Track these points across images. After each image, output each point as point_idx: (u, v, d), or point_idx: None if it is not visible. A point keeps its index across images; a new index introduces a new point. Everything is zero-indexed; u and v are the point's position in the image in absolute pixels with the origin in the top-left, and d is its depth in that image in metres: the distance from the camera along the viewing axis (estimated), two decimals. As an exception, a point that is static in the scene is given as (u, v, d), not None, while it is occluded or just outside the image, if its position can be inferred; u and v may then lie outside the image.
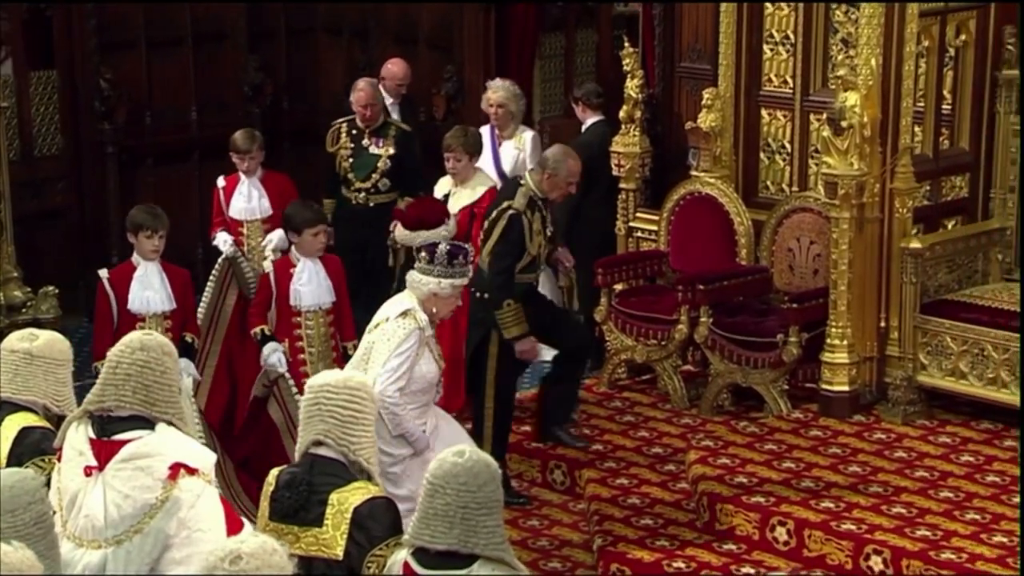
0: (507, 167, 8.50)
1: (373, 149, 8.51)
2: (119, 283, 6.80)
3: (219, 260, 7.82)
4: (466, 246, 6.53)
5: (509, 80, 8.86)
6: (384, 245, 8.31)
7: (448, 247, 6.32)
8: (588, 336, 7.87)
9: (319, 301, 7.11)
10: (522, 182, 7.21)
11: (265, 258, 7.82)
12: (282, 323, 7.11)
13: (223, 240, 7.98)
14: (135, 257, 6.91)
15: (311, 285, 7.09)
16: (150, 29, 10.28)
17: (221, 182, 8.25)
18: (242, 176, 8.16)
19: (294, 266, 7.12)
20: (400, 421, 6.14)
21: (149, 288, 6.81)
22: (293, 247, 7.20)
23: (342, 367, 7.04)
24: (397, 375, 6.11)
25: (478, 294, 7.15)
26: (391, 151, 8.49)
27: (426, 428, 6.23)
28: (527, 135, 8.75)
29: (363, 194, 8.52)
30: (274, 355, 6.96)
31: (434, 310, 6.25)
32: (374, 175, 8.48)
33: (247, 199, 8.12)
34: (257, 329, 7.11)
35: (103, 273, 6.89)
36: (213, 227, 8.23)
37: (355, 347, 7.04)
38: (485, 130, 8.59)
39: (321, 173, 8.94)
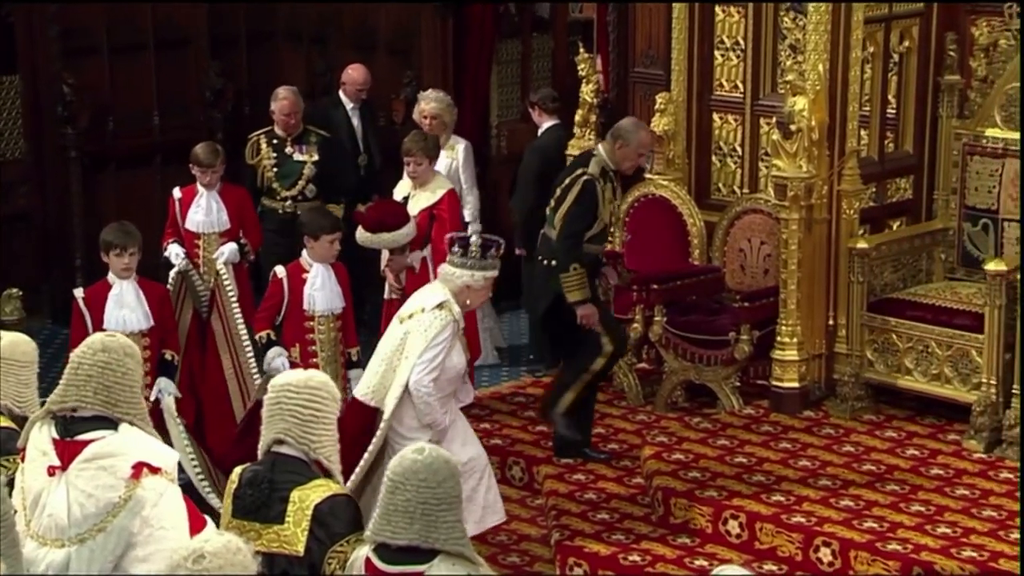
0: (443, 173, 8.32)
1: (297, 156, 8.39)
2: (94, 302, 6.65)
3: (172, 274, 7.65)
4: (498, 239, 6.54)
5: (442, 91, 8.77)
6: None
7: (481, 240, 6.40)
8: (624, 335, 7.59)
9: (331, 306, 7.05)
10: (595, 152, 7.20)
11: (217, 271, 7.67)
12: (293, 328, 7.03)
13: (175, 253, 7.77)
14: (110, 276, 6.78)
15: (324, 290, 7.02)
16: (112, 35, 10.21)
17: (177, 193, 8.05)
18: (200, 188, 7.96)
19: (306, 272, 7.02)
20: (431, 410, 6.20)
21: (125, 307, 6.67)
22: (305, 253, 7.06)
23: (346, 372, 7.07)
24: (433, 365, 6.17)
25: (545, 261, 7.15)
26: (315, 157, 8.38)
27: (447, 419, 6.29)
28: (460, 145, 8.68)
29: (290, 202, 8.38)
30: (278, 359, 6.90)
31: (467, 302, 6.33)
32: (300, 182, 8.37)
33: (206, 212, 7.91)
34: (263, 333, 7.01)
35: (78, 293, 6.75)
36: (165, 237, 8.02)
37: (358, 353, 7.14)
38: None
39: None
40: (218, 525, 4.26)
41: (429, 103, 8.52)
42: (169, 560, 3.39)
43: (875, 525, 6.41)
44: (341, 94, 9.39)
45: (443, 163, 8.37)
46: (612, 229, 7.44)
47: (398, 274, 7.75)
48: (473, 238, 6.43)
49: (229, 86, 10.52)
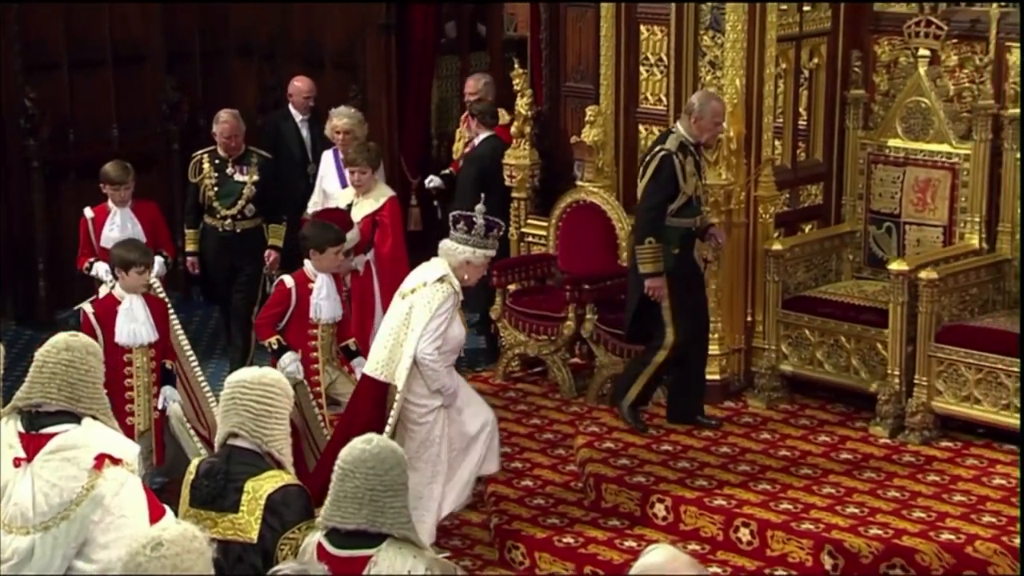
0: (342, 193, 8.18)
1: (238, 177, 8.25)
2: (104, 316, 6.47)
3: (102, 291, 7.23)
4: (500, 222, 6.56)
5: (353, 108, 8.67)
6: (252, 269, 8.21)
7: (485, 221, 6.38)
8: (707, 319, 7.38)
9: (335, 315, 6.98)
10: (673, 129, 7.09)
11: (151, 284, 7.48)
12: (297, 334, 6.92)
13: (104, 270, 7.54)
14: (117, 291, 6.56)
15: (329, 300, 6.93)
16: (72, 51, 10.11)
17: (89, 213, 7.85)
18: (113, 207, 7.80)
19: (311, 281, 6.91)
20: (437, 377, 6.25)
21: (135, 321, 6.52)
22: (309, 263, 6.94)
23: (349, 367, 7.04)
24: (436, 335, 6.19)
25: (648, 242, 7.03)
26: (255, 178, 8.25)
27: (454, 384, 6.35)
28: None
29: (230, 220, 8.25)
30: (292, 364, 6.80)
31: (465, 277, 6.32)
32: (240, 202, 8.22)
33: (120, 229, 7.72)
34: (272, 339, 6.88)
35: (87, 308, 6.53)
36: (81, 258, 7.84)
37: (355, 343, 7.10)
38: (328, 154, 8.43)
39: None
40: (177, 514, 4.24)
41: (341, 119, 8.38)
42: (129, 547, 3.36)
43: (790, 506, 6.45)
44: (290, 107, 9.35)
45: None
46: (702, 202, 7.18)
47: (344, 277, 7.73)
48: (478, 219, 6.39)
49: (184, 99, 10.45)
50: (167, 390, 6.69)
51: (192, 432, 6.55)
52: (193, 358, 6.88)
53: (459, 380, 6.50)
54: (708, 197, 7.49)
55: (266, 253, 8.28)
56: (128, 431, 6.39)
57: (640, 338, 7.30)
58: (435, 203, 9.42)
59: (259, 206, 8.27)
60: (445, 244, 6.37)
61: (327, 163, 8.41)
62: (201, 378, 6.81)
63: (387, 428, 6.20)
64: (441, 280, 6.25)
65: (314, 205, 8.33)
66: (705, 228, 7.20)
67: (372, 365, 6.36)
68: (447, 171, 9.21)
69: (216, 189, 8.24)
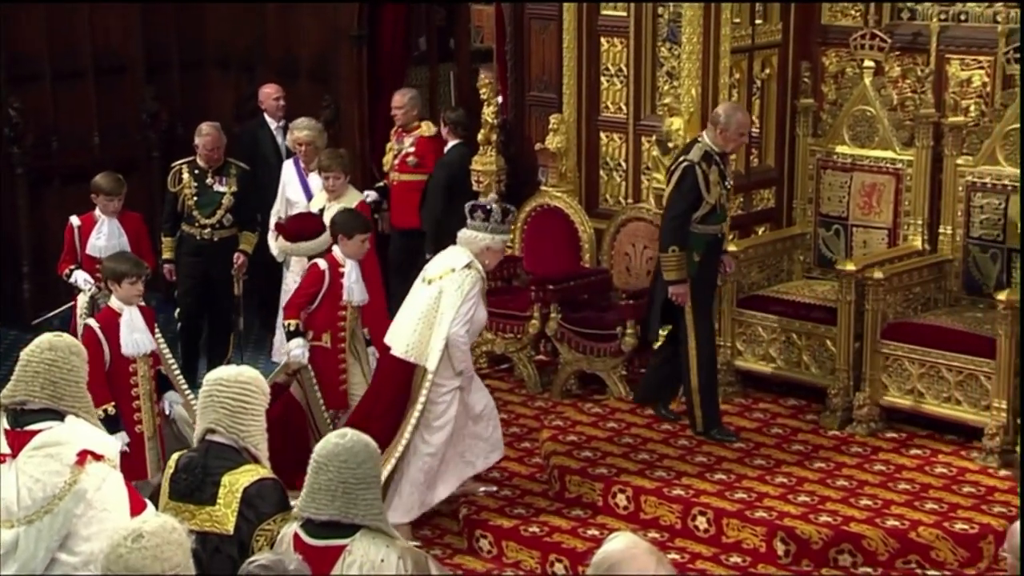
0: (316, 194, 8.09)
1: (217, 187, 8.19)
2: (108, 329, 6.38)
3: (82, 300, 7.39)
4: (512, 208, 6.63)
5: (313, 119, 8.61)
6: (228, 276, 8.17)
7: (501, 207, 6.47)
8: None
9: (364, 298, 6.96)
10: (699, 139, 6.94)
11: None
12: (327, 316, 6.87)
13: (83, 279, 7.54)
14: (115, 303, 6.43)
15: (359, 283, 6.92)
16: (55, 62, 10.06)
17: (76, 221, 7.75)
18: (101, 216, 7.72)
19: (342, 265, 6.89)
20: (465, 358, 6.35)
21: (136, 331, 6.43)
22: (337, 249, 6.91)
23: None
24: (467, 318, 6.28)
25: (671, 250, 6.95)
26: (234, 188, 8.20)
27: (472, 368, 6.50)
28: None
29: (208, 230, 8.18)
30: (299, 350, 6.74)
31: (486, 262, 6.41)
32: (219, 211, 8.17)
33: (108, 238, 7.65)
34: (294, 322, 6.81)
35: (92, 322, 6.41)
36: (63, 264, 7.75)
37: (367, 332, 7.07)
38: (290, 163, 8.38)
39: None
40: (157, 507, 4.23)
41: (302, 131, 8.30)
42: (110, 539, 3.35)
43: (744, 496, 6.47)
44: (265, 115, 9.33)
45: (318, 183, 8.11)
46: (727, 211, 7.08)
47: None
48: (495, 206, 6.46)
49: (163, 109, 10.40)
50: (170, 395, 6.63)
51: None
52: (175, 363, 6.86)
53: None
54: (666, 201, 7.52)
55: (235, 256, 8.23)
56: (138, 439, 6.36)
57: (658, 330, 7.25)
58: (375, 216, 9.33)
59: (236, 215, 8.23)
60: (465, 233, 6.45)
61: (289, 172, 8.35)
62: (183, 383, 6.79)
63: (418, 407, 6.28)
64: (468, 266, 6.35)
65: (276, 213, 8.25)
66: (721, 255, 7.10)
67: (401, 347, 6.39)
68: (381, 183, 9.13)
69: (196, 199, 8.18)
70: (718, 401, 7.13)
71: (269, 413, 6.58)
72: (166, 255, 8.30)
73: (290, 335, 6.82)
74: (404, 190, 8.72)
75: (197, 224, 8.20)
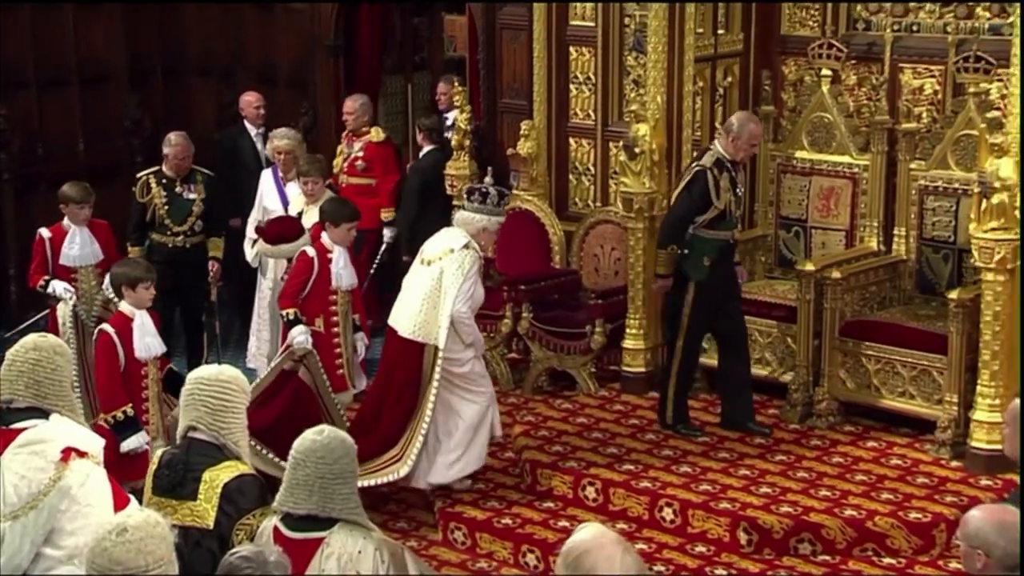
0: (292, 202, 8.04)
1: (187, 195, 8.09)
2: (123, 333, 6.32)
3: (65, 309, 7.31)
4: (506, 190, 6.74)
5: (292, 130, 8.55)
6: (200, 282, 8.10)
7: (497, 190, 6.57)
8: (743, 325, 7.13)
9: (352, 282, 7.03)
10: (712, 146, 6.95)
11: (111, 299, 7.12)
12: (319, 302, 6.91)
13: (63, 288, 7.43)
14: (126, 307, 6.32)
15: (347, 269, 6.97)
16: (41, 71, 10.00)
17: (46, 233, 7.58)
18: (71, 225, 7.59)
19: (330, 252, 6.93)
20: (472, 331, 6.46)
21: (148, 334, 6.38)
22: (325, 236, 6.96)
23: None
24: (469, 294, 6.38)
25: (676, 249, 6.94)
26: (203, 195, 8.12)
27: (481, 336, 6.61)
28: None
29: (180, 237, 8.06)
30: (302, 336, 6.75)
31: (482, 243, 6.49)
32: (190, 218, 8.08)
33: (80, 246, 7.55)
34: (291, 311, 6.83)
35: (109, 328, 6.34)
36: (34, 276, 7.59)
37: (358, 318, 7.15)
38: (268, 172, 8.30)
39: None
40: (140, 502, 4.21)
41: (281, 140, 8.21)
42: (95, 533, 3.34)
43: (709, 487, 6.49)
44: (245, 122, 9.30)
45: (295, 191, 8.05)
46: (736, 214, 6.97)
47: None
48: (491, 189, 6.51)
49: (146, 116, 10.37)
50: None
51: None
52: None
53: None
54: (634, 204, 7.53)
55: (210, 264, 8.15)
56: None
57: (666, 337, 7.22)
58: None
59: (206, 222, 8.15)
60: (462, 215, 6.52)
61: (267, 181, 8.26)
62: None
63: (435, 384, 6.34)
64: (466, 246, 6.42)
65: (254, 221, 8.17)
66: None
67: (408, 328, 6.45)
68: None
69: (167, 207, 8.07)
70: (687, 398, 7.13)
71: (282, 397, 6.63)
72: None
73: (290, 323, 6.82)
74: (352, 193, 8.53)
75: (169, 232, 8.08)
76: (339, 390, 6.91)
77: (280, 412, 6.50)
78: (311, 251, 6.94)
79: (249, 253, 8.10)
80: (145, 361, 6.36)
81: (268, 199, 8.21)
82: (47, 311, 7.67)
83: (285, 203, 8.10)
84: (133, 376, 6.31)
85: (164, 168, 8.14)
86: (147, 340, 6.37)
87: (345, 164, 8.97)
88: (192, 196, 8.10)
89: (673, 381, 7.00)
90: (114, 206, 8.45)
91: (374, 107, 9.81)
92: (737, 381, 7.07)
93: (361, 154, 8.91)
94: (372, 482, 6.40)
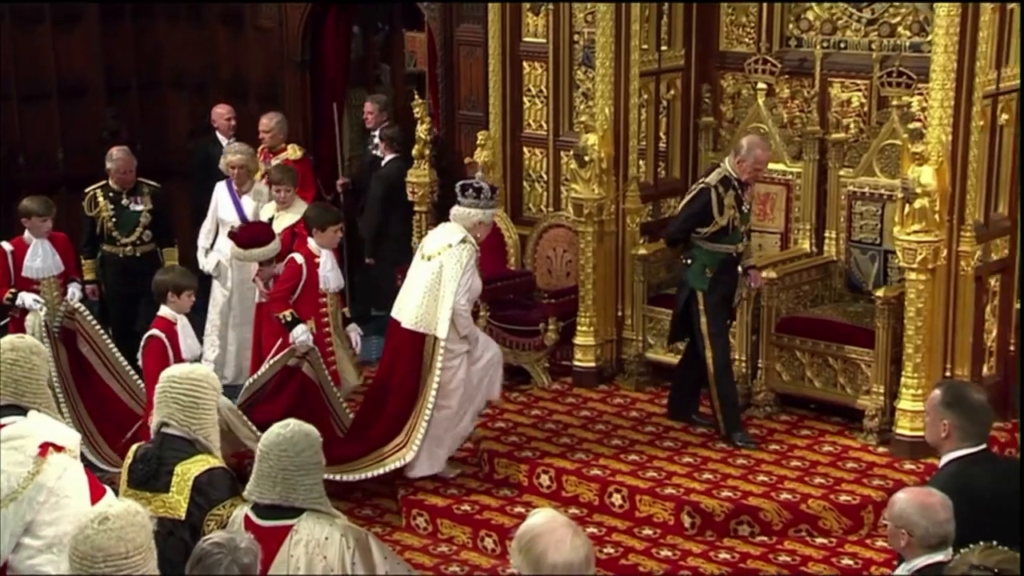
0: (249, 215, 7.92)
1: (133, 207, 7.96)
2: (171, 337, 6.29)
3: (35, 320, 7.13)
4: (496, 185, 6.86)
5: (246, 144, 8.43)
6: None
7: (489, 185, 6.62)
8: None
9: (340, 284, 7.00)
10: (720, 164, 6.83)
11: (77, 309, 7.17)
12: (309, 305, 6.83)
13: (32, 299, 7.24)
14: (168, 312, 6.29)
15: (335, 271, 6.92)
16: (21, 84, 9.91)
17: (7, 247, 7.39)
18: (32, 238, 7.35)
19: (317, 256, 6.86)
20: (468, 323, 6.46)
21: (189, 336, 6.39)
22: (312, 240, 6.88)
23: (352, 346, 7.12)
24: (467, 287, 6.38)
25: (682, 259, 6.91)
26: (150, 206, 8.00)
27: (476, 331, 6.64)
28: (264, 188, 8.06)
29: (130, 247, 7.92)
30: (304, 335, 6.69)
31: (477, 235, 6.51)
32: (138, 229, 7.95)
33: (43, 259, 7.40)
34: (287, 312, 6.74)
35: (159, 333, 6.27)
36: (0, 289, 7.38)
37: (348, 312, 7.19)
38: (222, 185, 8.09)
39: (179, 202, 8.58)
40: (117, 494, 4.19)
41: (235, 155, 8.08)
42: (78, 522, 3.32)
43: (655, 474, 6.51)
44: (217, 133, 9.23)
45: (250, 204, 7.97)
46: (740, 229, 6.79)
47: (267, 281, 7.63)
48: (484, 185, 6.56)
49: (123, 127, 10.27)
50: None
51: (244, 416, 6.43)
52: (114, 347, 6.93)
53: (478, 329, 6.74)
54: (584, 209, 7.54)
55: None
56: None
57: (679, 339, 7.10)
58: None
59: (154, 231, 8.01)
60: (458, 210, 6.53)
61: (222, 194, 8.10)
62: (124, 363, 6.88)
63: (436, 372, 6.38)
64: (464, 241, 6.44)
65: (208, 232, 8.03)
66: (746, 268, 6.89)
67: (411, 319, 6.46)
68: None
69: (115, 220, 7.92)
70: (738, 408, 6.89)
71: (287, 392, 6.58)
72: (89, 276, 7.96)
73: (290, 324, 6.76)
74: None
75: (118, 243, 7.93)
76: (335, 385, 6.89)
77: (288, 405, 6.49)
78: (299, 258, 6.86)
79: (203, 261, 7.96)
80: (189, 362, 6.31)
81: (223, 211, 8.05)
82: (7, 320, 7.49)
83: (241, 214, 7.96)
84: None
85: (110, 182, 7.98)
86: (189, 342, 6.37)
87: (263, 181, 8.58)
88: (139, 208, 7.96)
89: (716, 395, 6.81)
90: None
91: (340, 119, 9.79)
92: (694, 378, 6.98)
93: None
94: (381, 470, 6.46)
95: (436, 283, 6.40)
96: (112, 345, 7.10)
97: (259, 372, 6.80)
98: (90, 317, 7.13)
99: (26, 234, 7.43)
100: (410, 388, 6.48)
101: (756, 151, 6.76)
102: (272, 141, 8.80)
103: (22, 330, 7.01)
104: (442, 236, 6.52)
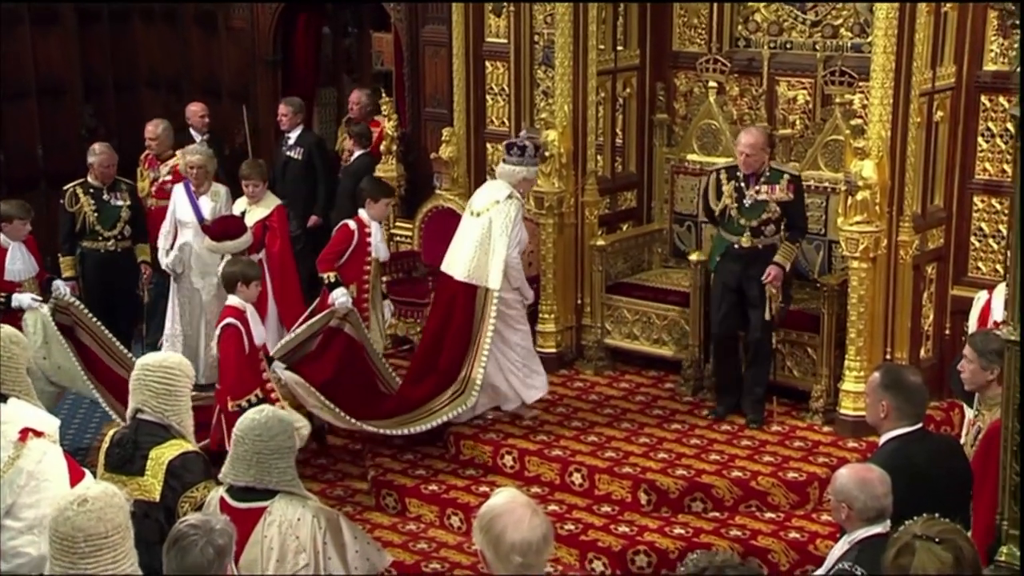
0: (207, 215, 7.73)
1: (115, 202, 7.82)
2: (244, 323, 6.27)
3: (32, 318, 6.93)
4: (542, 143, 6.93)
5: (204, 145, 8.34)
6: (130, 285, 7.87)
7: (533, 144, 6.72)
8: (757, 332, 6.69)
9: (386, 255, 7.11)
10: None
11: (71, 303, 7.02)
12: (355, 271, 6.92)
13: (30, 299, 7.01)
14: (238, 301, 6.27)
15: (383, 243, 7.02)
16: (2, 85, 9.79)
17: None
18: (9, 242, 7.14)
19: (367, 226, 6.95)
20: (519, 275, 6.57)
21: (258, 324, 6.38)
22: (364, 212, 6.98)
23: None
24: (516, 240, 6.53)
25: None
26: (128, 201, 7.88)
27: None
28: (222, 189, 7.91)
29: (112, 241, 7.76)
30: (344, 297, 6.71)
31: (522, 191, 6.61)
32: (119, 223, 7.80)
33: (22, 261, 7.24)
34: (331, 274, 6.81)
35: (234, 321, 6.23)
36: None
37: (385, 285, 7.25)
38: (180, 187, 7.85)
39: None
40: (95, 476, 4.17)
41: (193, 155, 7.91)
42: (58, 504, 3.30)
43: (613, 454, 6.53)
44: (191, 130, 9.16)
45: (208, 205, 7.82)
46: (740, 222, 6.62)
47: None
48: (529, 143, 6.66)
49: (100, 125, 10.19)
50: (276, 365, 6.53)
51: (313, 390, 6.46)
52: (109, 333, 6.92)
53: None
54: (545, 202, 7.52)
55: (142, 268, 7.92)
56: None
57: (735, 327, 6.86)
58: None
59: (132, 227, 7.90)
60: (504, 168, 6.67)
61: (180, 195, 7.91)
62: (122, 347, 6.92)
63: (489, 322, 6.50)
64: (510, 196, 6.57)
65: (167, 234, 7.89)
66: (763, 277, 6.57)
67: (463, 272, 6.59)
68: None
69: (97, 215, 7.77)
70: (722, 389, 6.86)
71: (333, 352, 6.61)
72: (68, 273, 7.78)
73: (331, 286, 6.80)
74: (163, 215, 8.09)
75: (101, 238, 7.78)
76: None
77: (336, 364, 6.58)
78: (352, 224, 6.97)
79: (163, 260, 7.86)
80: (264, 348, 6.41)
81: (181, 211, 7.88)
82: None
83: (199, 214, 7.82)
84: (254, 361, 6.31)
85: (90, 178, 7.84)
86: (259, 328, 6.40)
87: (153, 188, 8.48)
88: (120, 203, 7.84)
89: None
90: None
91: (309, 115, 9.75)
92: (739, 381, 6.78)
93: (170, 178, 8.33)
94: (445, 418, 6.57)
95: (486, 237, 6.55)
96: (109, 333, 7.03)
97: (296, 330, 6.72)
98: (84, 308, 7.03)
99: (2, 237, 7.20)
100: (464, 338, 6.61)
101: (740, 135, 6.72)
102: (159, 148, 8.53)
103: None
104: (489, 193, 6.66)
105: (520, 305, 6.74)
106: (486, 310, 6.53)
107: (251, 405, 6.02)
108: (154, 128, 8.62)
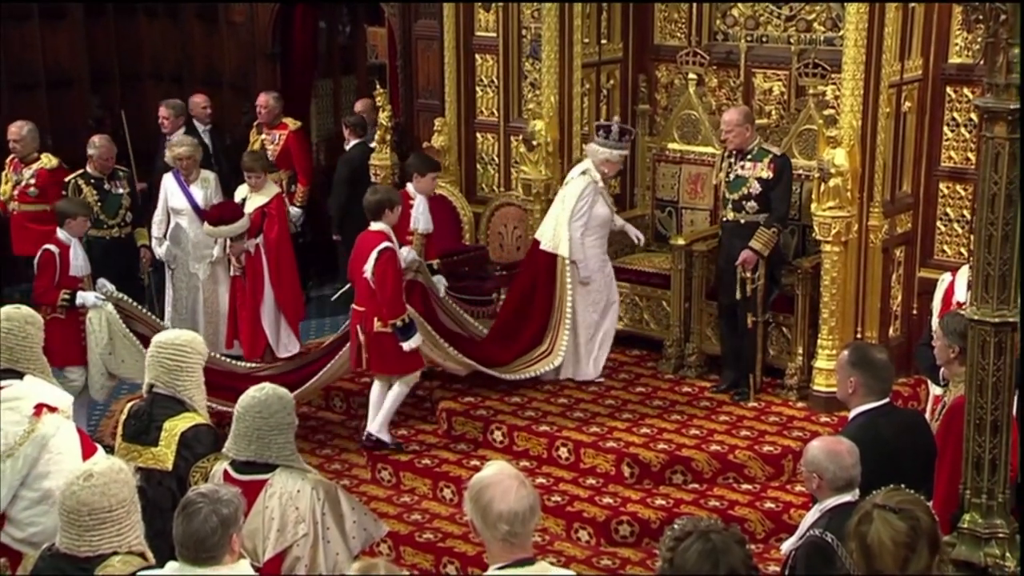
0: (200, 203, 7.77)
1: (115, 190, 7.74)
2: (393, 243, 6.45)
3: (96, 316, 6.78)
4: (632, 128, 7.08)
5: (190, 136, 8.26)
6: (134, 269, 7.80)
7: (620, 127, 6.89)
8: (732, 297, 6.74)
9: (429, 227, 7.11)
10: None
11: (120, 298, 6.92)
12: (398, 239, 6.84)
13: (95, 297, 6.83)
14: (383, 226, 6.42)
15: (425, 215, 7.06)
16: (11, 76, 9.79)
17: (55, 248, 6.99)
18: (71, 239, 6.94)
19: (412, 199, 7.02)
20: (579, 249, 6.79)
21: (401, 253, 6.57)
22: (410, 185, 7.10)
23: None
24: (580, 214, 6.73)
25: None
26: (128, 189, 7.82)
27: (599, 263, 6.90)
28: (211, 176, 7.93)
29: (116, 228, 7.66)
30: (411, 255, 6.77)
31: (605, 171, 6.84)
32: (121, 211, 7.73)
33: (83, 258, 6.96)
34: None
35: (389, 244, 6.33)
36: (49, 292, 6.95)
37: (438, 263, 7.21)
38: (170, 176, 7.85)
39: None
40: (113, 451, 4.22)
41: (181, 147, 7.81)
42: (65, 479, 3.34)
43: (598, 429, 6.56)
44: (194, 121, 9.14)
45: (199, 193, 7.80)
46: (727, 195, 6.74)
47: (239, 256, 7.65)
48: (615, 126, 6.82)
49: (107, 115, 10.15)
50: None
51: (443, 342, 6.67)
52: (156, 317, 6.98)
53: (609, 265, 7.01)
54: (532, 189, 7.54)
55: (142, 252, 7.88)
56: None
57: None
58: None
59: (133, 213, 7.86)
60: (589, 147, 6.89)
61: (171, 184, 7.89)
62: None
63: (568, 288, 6.74)
64: (584, 173, 6.75)
65: (159, 222, 7.86)
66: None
67: (545, 241, 6.86)
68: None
69: (100, 204, 7.69)
70: (729, 366, 6.88)
71: (415, 300, 6.65)
72: None
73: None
74: (25, 219, 8.01)
75: (105, 226, 7.69)
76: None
77: (420, 310, 6.66)
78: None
79: (158, 250, 7.84)
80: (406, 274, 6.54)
81: (174, 200, 7.86)
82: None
83: (192, 202, 7.82)
84: (403, 290, 6.46)
85: (89, 169, 7.76)
86: (404, 254, 6.54)
87: (16, 191, 8.11)
88: (120, 191, 7.78)
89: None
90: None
91: (306, 107, 9.74)
92: (737, 349, 6.80)
93: (33, 181, 8.08)
94: (532, 373, 6.84)
95: (562, 210, 6.77)
96: (157, 319, 7.01)
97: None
98: (133, 302, 6.97)
99: (62, 234, 6.98)
100: (546, 302, 6.84)
101: (723, 113, 6.84)
102: (24, 151, 8.13)
103: (72, 327, 6.76)
104: (577, 168, 6.90)
105: (597, 288, 6.87)
106: (562, 277, 6.80)
107: (403, 324, 6.31)
108: (18, 130, 8.11)
